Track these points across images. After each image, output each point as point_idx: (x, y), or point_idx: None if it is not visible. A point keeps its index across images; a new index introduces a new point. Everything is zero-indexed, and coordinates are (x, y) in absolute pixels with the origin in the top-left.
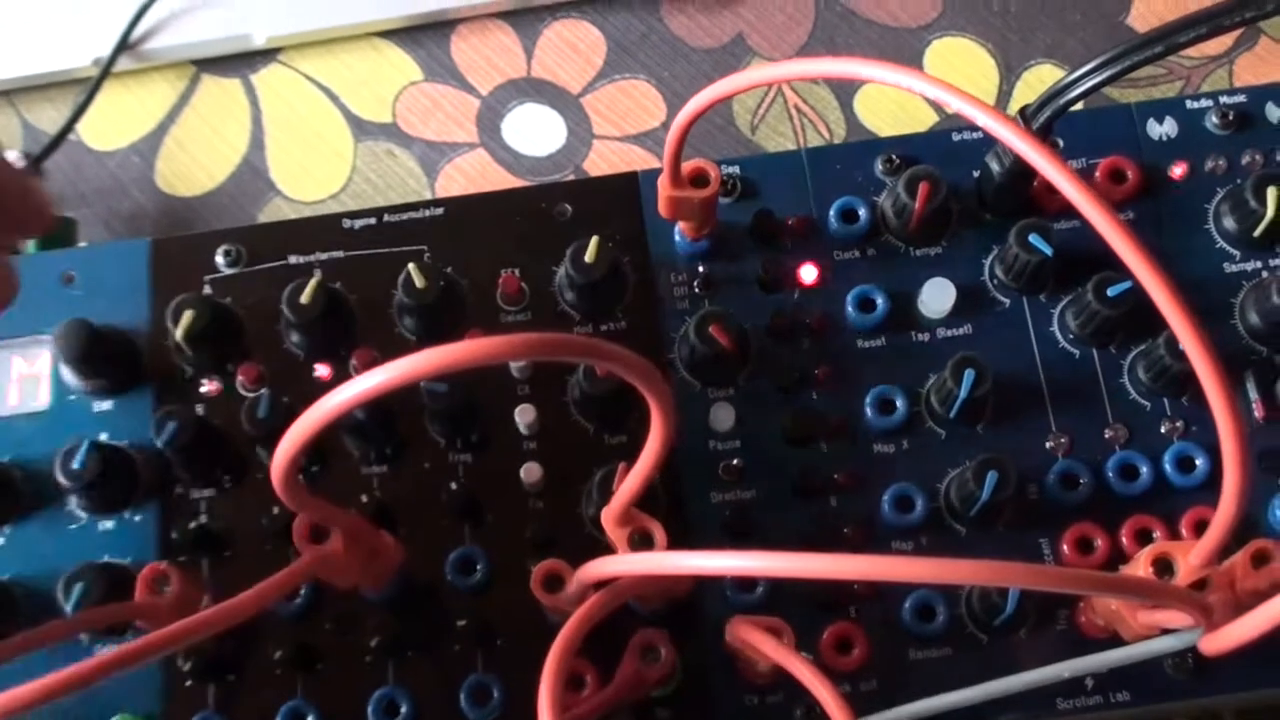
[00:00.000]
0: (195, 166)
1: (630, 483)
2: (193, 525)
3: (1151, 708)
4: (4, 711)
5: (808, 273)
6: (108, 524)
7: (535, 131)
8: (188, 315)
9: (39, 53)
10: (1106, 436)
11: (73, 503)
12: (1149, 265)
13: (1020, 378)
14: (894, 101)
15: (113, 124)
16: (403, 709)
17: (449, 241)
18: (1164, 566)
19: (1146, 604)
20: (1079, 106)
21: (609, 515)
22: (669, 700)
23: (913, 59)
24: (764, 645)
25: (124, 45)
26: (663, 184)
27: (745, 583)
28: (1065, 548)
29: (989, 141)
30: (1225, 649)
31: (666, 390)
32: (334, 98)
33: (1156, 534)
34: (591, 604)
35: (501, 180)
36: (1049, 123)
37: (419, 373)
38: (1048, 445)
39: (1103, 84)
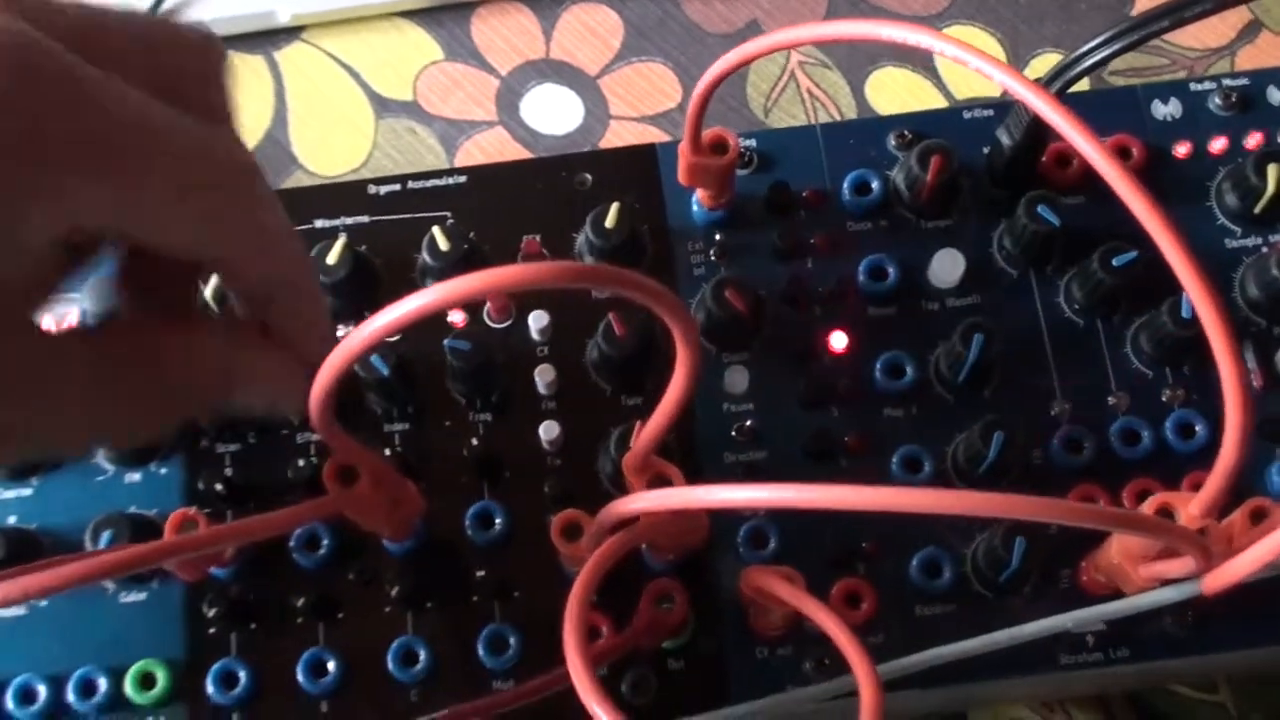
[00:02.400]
0: None
1: (653, 424)
2: (218, 478)
3: (1151, 664)
4: (21, 595)
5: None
6: (134, 476)
7: (553, 111)
8: (214, 279)
9: None
10: (1110, 403)
11: (100, 454)
12: (1153, 210)
13: (1026, 347)
14: (904, 87)
15: None
16: (421, 657)
17: (472, 208)
18: (1165, 515)
19: (1148, 556)
20: (1086, 86)
21: (629, 462)
22: (681, 652)
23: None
24: (779, 589)
25: None
26: (683, 150)
27: (758, 539)
28: None
29: (999, 119)
30: (1228, 583)
31: (692, 323)
32: (356, 75)
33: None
34: (611, 543)
35: (519, 157)
36: (1060, 94)
37: (462, 294)
38: (1052, 411)
39: (1112, 56)
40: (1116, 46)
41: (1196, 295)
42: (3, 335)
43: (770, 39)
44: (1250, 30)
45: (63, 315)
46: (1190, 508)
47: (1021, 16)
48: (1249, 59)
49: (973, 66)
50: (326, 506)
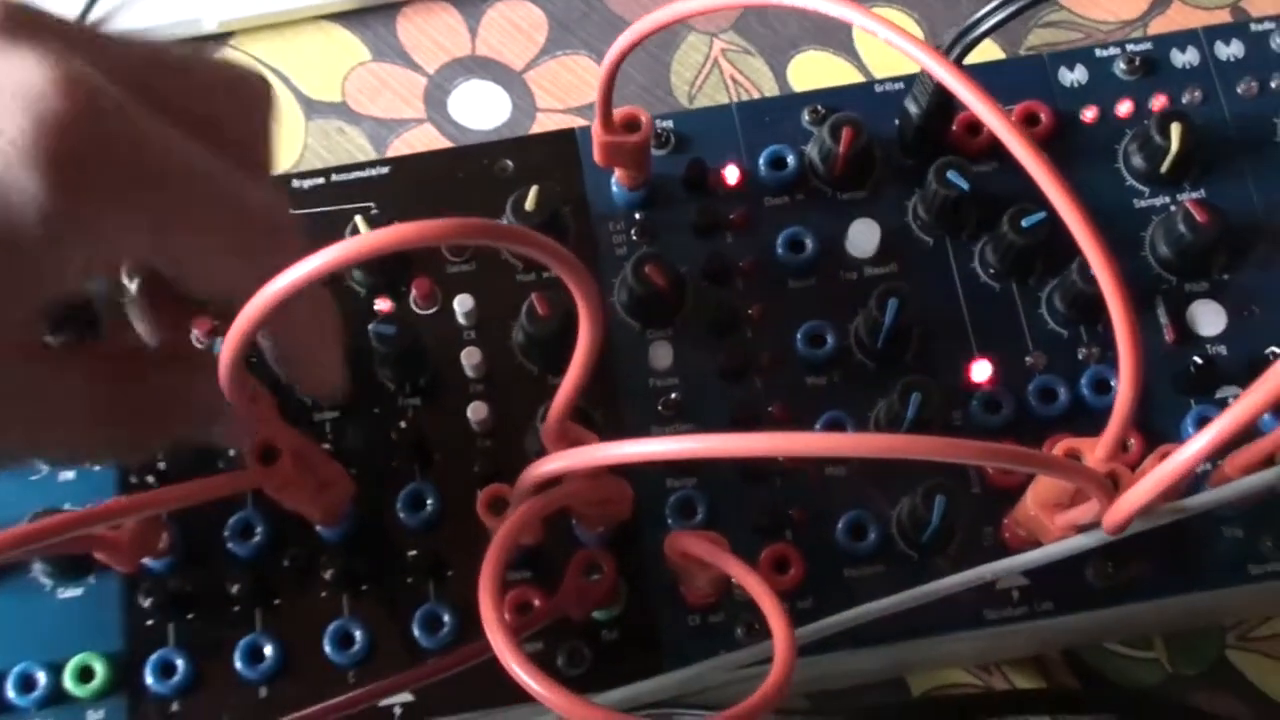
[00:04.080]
0: None
1: (565, 386)
2: (151, 470)
3: (1075, 616)
4: None
5: (731, 172)
6: (68, 474)
7: (480, 106)
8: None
9: None
10: (1027, 363)
11: None
12: (1038, 159)
13: (944, 313)
14: (825, 70)
15: None
16: (358, 639)
17: (395, 198)
18: (1073, 458)
19: (1061, 504)
20: (1000, 56)
21: (546, 429)
22: (615, 623)
23: (842, 31)
24: (700, 550)
25: None
26: (596, 130)
27: (686, 509)
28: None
29: (909, 90)
30: (1124, 517)
31: (591, 280)
32: (284, 79)
33: None
34: (524, 508)
35: None
36: (960, 58)
37: (358, 253)
38: (969, 374)
39: (1008, 19)
40: (1011, 9)
41: (1082, 238)
42: (17, 350)
43: (673, 9)
44: (1161, 2)
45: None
46: (1096, 451)
47: None
48: (1160, 28)
49: (880, 36)
50: (242, 481)
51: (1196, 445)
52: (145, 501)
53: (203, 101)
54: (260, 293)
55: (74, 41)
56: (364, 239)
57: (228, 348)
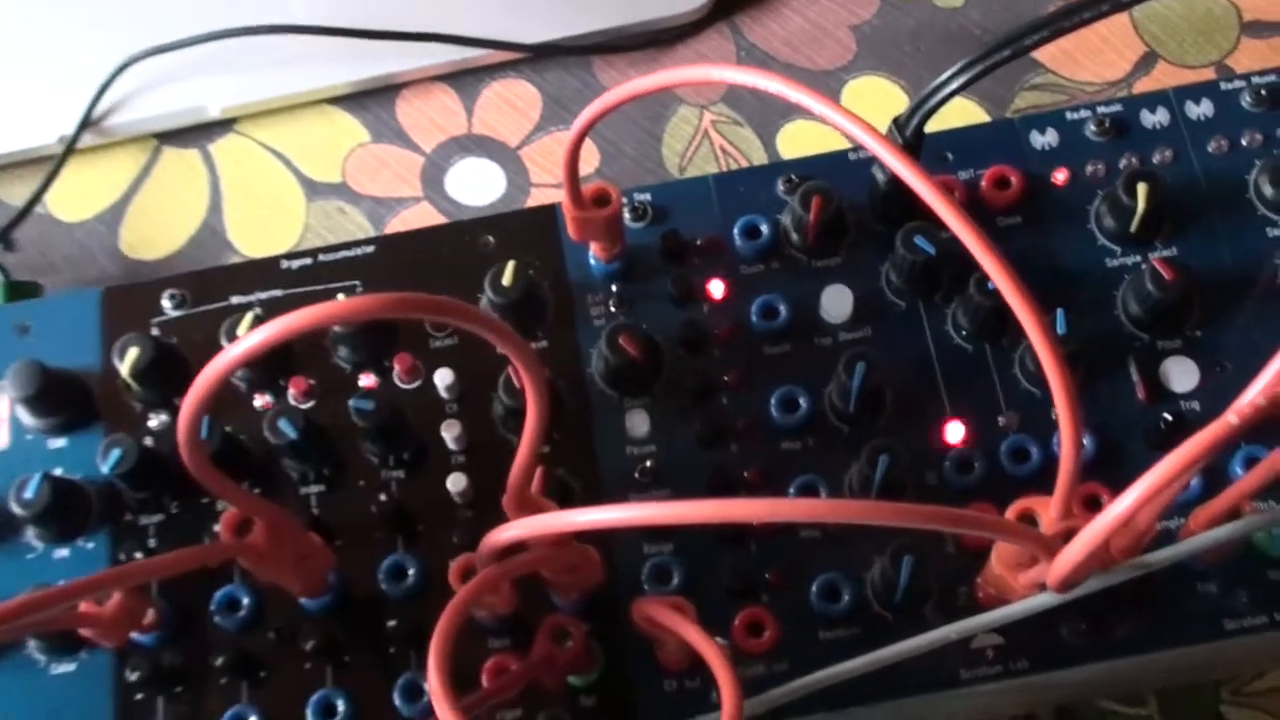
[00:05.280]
0: (158, 232)
1: (518, 461)
2: (141, 548)
3: (1051, 675)
4: None
5: (716, 287)
6: (63, 552)
7: (476, 183)
8: (132, 351)
9: (6, 133)
10: (1000, 423)
11: (29, 533)
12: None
13: (918, 375)
14: (813, 138)
15: (79, 196)
16: (340, 709)
17: (380, 276)
18: (1028, 520)
19: (1022, 564)
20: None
21: (507, 500)
22: (592, 689)
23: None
24: (663, 616)
25: (87, 122)
26: (567, 206)
27: (661, 575)
28: None
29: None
30: (1065, 574)
31: (525, 346)
32: (287, 162)
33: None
34: (482, 575)
35: None
36: (919, 128)
37: (302, 325)
38: (943, 435)
39: (962, 87)
40: (965, 78)
41: (1015, 304)
42: None
43: (628, 87)
44: (1146, 62)
45: None
46: (1050, 510)
47: (923, 64)
48: (1147, 89)
49: (833, 122)
50: (215, 553)
51: (1129, 498)
52: (119, 575)
53: None
54: (205, 370)
55: None
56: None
57: (183, 430)
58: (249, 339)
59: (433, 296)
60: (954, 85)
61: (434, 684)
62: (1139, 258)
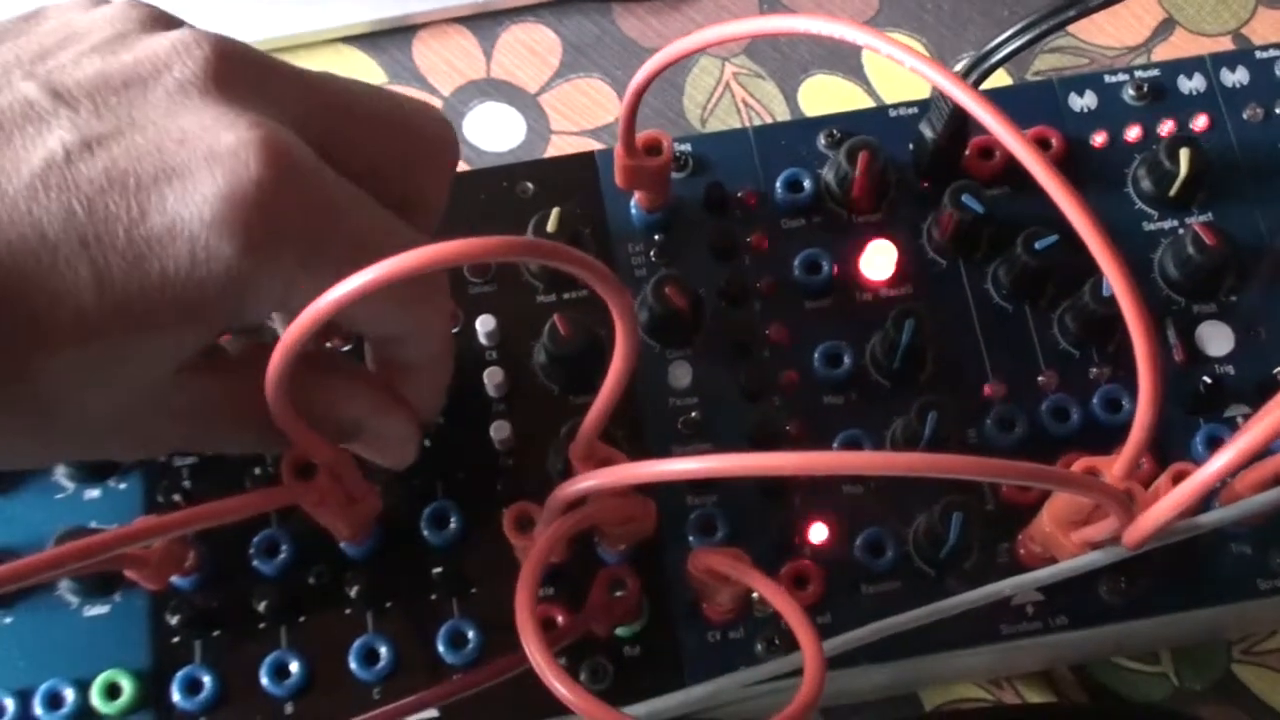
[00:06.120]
0: None
1: (596, 407)
2: (177, 489)
3: (1089, 631)
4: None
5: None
6: (94, 492)
7: (495, 129)
8: None
9: None
10: (1039, 382)
11: (59, 472)
12: (1064, 188)
13: (958, 333)
14: (835, 93)
15: None
16: (383, 655)
17: None
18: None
19: (1077, 521)
20: (1009, 82)
21: (575, 448)
22: (636, 639)
23: (852, 55)
24: (724, 566)
25: None
26: (619, 153)
27: (706, 526)
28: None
29: (924, 115)
30: (1146, 534)
31: (625, 294)
32: None
33: None
34: (557, 526)
35: None
36: (976, 83)
37: (408, 269)
38: (985, 393)
39: (1023, 47)
40: (1028, 37)
41: (1105, 263)
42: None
43: (699, 36)
44: (1165, 28)
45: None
46: (1114, 469)
47: (945, 22)
48: (1163, 55)
49: (896, 59)
50: (279, 497)
51: (1218, 463)
52: (182, 520)
53: (389, 151)
54: (304, 313)
55: (269, 89)
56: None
57: (275, 369)
58: (362, 276)
59: (546, 241)
60: (1016, 44)
61: (525, 630)
62: (1176, 222)
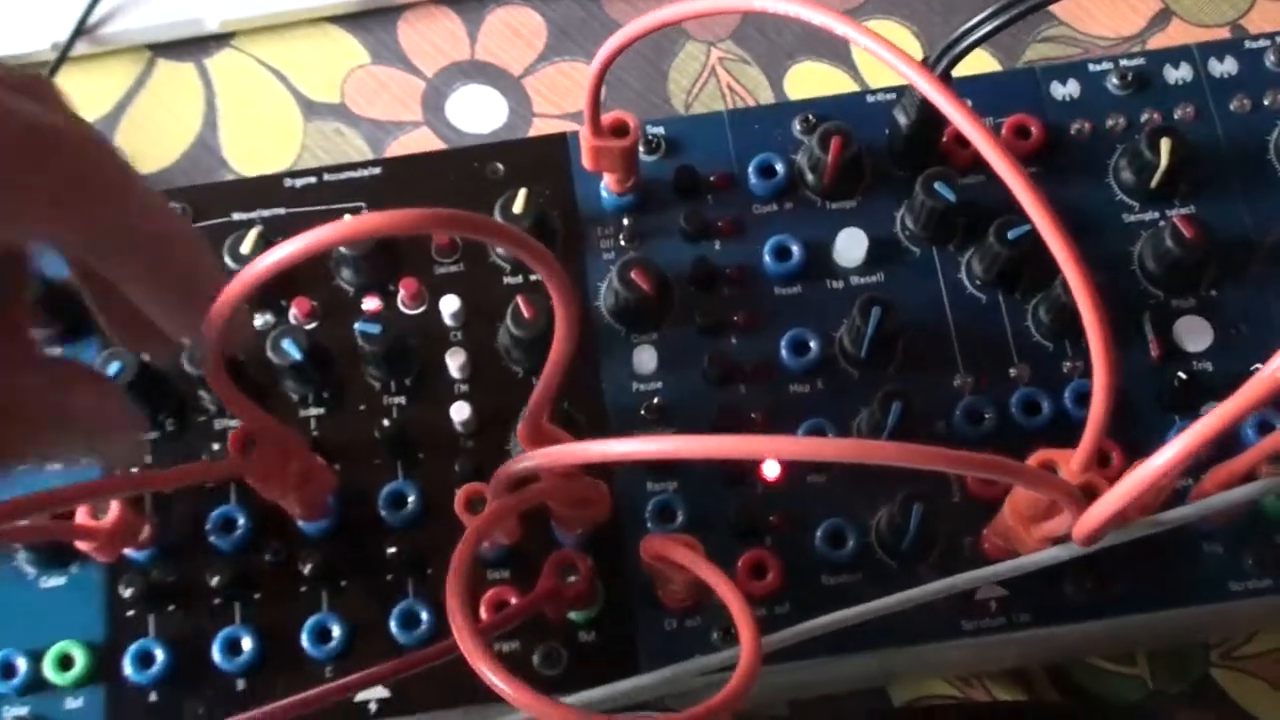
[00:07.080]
0: (151, 146)
1: (540, 388)
2: (136, 465)
3: (1053, 629)
4: None
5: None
6: (55, 466)
7: (478, 111)
8: None
9: None
10: (1011, 375)
11: None
12: (1013, 168)
13: (930, 323)
14: (821, 80)
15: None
16: (335, 634)
17: (386, 198)
18: (1049, 470)
19: (1037, 516)
20: (990, 69)
21: (522, 429)
22: (592, 625)
23: (839, 42)
24: (675, 553)
25: (81, 30)
26: (584, 134)
27: (665, 514)
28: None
29: (899, 101)
30: (1095, 527)
31: (564, 276)
32: (284, 79)
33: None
34: (498, 506)
35: None
36: (946, 71)
37: (330, 240)
38: (955, 384)
39: (993, 32)
40: (998, 21)
41: (1054, 242)
42: None
43: (662, 13)
44: (1161, 19)
45: None
46: (1072, 463)
47: (935, 9)
48: (1160, 46)
49: (863, 46)
50: (219, 470)
51: (1166, 455)
52: (120, 484)
53: None
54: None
55: None
56: (350, 222)
57: (209, 336)
58: (286, 247)
59: (476, 215)
60: (986, 29)
61: (453, 612)
62: (1156, 214)
